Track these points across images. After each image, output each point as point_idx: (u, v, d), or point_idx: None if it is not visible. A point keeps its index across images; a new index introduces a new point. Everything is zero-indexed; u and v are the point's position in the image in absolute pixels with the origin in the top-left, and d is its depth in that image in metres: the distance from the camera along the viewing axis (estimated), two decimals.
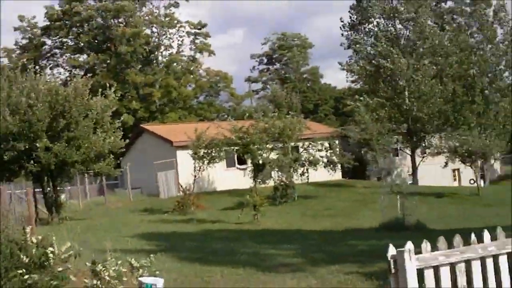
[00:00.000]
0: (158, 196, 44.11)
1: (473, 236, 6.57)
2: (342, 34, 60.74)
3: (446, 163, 47.30)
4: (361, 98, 54.54)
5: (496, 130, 54.24)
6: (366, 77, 59.51)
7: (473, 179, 50.00)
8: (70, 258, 10.05)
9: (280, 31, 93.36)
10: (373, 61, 58.58)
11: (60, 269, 9.78)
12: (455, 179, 60.83)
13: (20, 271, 9.58)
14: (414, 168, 56.85)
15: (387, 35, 57.70)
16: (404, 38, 58.90)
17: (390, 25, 59.05)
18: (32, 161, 28.92)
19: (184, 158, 42.70)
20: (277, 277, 12.47)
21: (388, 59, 55.21)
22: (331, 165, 41.51)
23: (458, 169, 58.84)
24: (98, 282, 9.67)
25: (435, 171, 54.74)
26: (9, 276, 9.56)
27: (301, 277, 12.40)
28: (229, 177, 46.20)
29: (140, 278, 9.68)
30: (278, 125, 38.18)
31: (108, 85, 32.27)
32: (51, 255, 9.75)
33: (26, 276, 9.50)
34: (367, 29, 59.82)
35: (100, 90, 31.18)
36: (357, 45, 59.29)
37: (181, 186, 38.09)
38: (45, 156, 28.53)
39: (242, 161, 43.32)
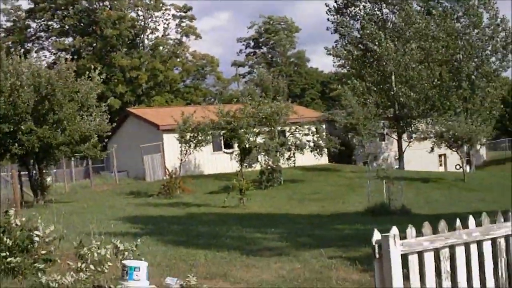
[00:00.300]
0: (144, 179, 44.09)
1: (458, 221, 6.56)
2: (328, 19, 60.87)
3: (432, 148, 47.38)
4: (348, 81, 54.62)
5: (483, 115, 54.39)
6: (352, 61, 59.60)
7: (459, 165, 50.19)
8: (55, 241, 10.01)
9: (267, 15, 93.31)
10: (360, 45, 58.66)
11: (44, 252, 9.74)
12: (441, 165, 61.05)
13: (3, 254, 9.53)
14: (401, 153, 57.02)
15: (373, 19, 57.78)
16: (390, 22, 58.99)
17: (376, 9, 59.19)
18: (16, 144, 28.77)
19: (170, 142, 42.68)
20: (261, 260, 12.47)
21: (376, 42, 55.28)
22: (318, 150, 41.47)
23: (444, 155, 59.06)
24: (83, 265, 9.63)
25: (421, 156, 54.94)
26: None
27: (285, 261, 12.41)
28: (215, 161, 46.24)
29: (124, 261, 9.64)
30: (265, 110, 37.99)
31: (92, 67, 32.09)
32: (36, 238, 9.70)
33: (9, 259, 9.45)
34: (353, 13, 59.98)
35: (86, 73, 31.03)
36: (344, 28, 59.40)
37: (167, 170, 38.03)
38: (28, 139, 28.40)
39: (228, 145, 43.25)
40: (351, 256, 12.43)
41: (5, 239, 9.69)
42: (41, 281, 8.93)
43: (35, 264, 9.63)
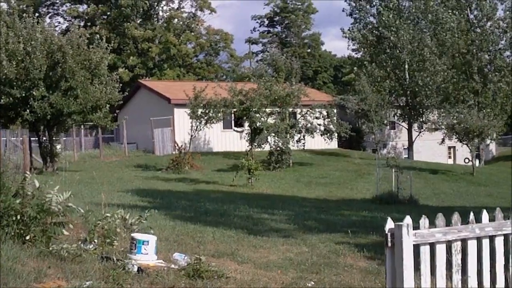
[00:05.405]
0: (154, 153, 44.11)
1: (471, 215, 6.56)
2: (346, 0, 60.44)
3: (443, 140, 47.13)
4: (368, 66, 54.37)
5: (494, 110, 54.04)
6: (367, 46, 59.21)
7: (468, 158, 49.96)
8: (65, 210, 10.00)
9: None
10: (375, 31, 58.25)
11: (54, 220, 9.74)
12: (450, 157, 60.92)
13: (14, 219, 9.53)
14: (410, 142, 56.85)
15: (389, 5, 57.29)
16: (406, 10, 58.47)
17: None
18: (28, 111, 28.72)
19: (181, 117, 42.69)
20: (269, 242, 12.50)
21: (393, 29, 54.81)
22: (328, 134, 41.42)
23: (454, 147, 58.92)
24: (92, 236, 9.65)
25: (430, 147, 54.79)
26: (1, 224, 9.50)
27: (292, 244, 12.44)
28: (225, 139, 46.24)
29: (132, 234, 9.67)
30: (279, 92, 37.71)
31: (98, 36, 31.93)
32: (49, 206, 9.68)
33: (20, 226, 9.46)
34: None
35: (96, 41, 30.94)
36: (360, 12, 58.99)
37: (177, 145, 38.04)
38: (40, 105, 28.33)
39: (239, 123, 43.17)
40: (358, 242, 12.43)
41: (16, 204, 9.68)
42: (50, 250, 8.95)
43: (45, 232, 9.64)
